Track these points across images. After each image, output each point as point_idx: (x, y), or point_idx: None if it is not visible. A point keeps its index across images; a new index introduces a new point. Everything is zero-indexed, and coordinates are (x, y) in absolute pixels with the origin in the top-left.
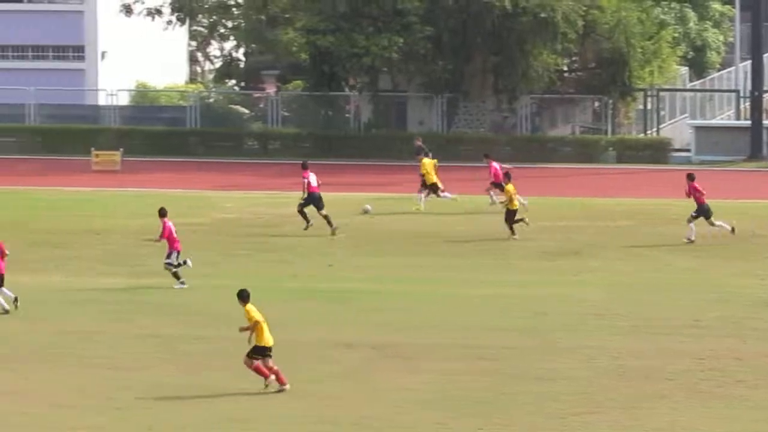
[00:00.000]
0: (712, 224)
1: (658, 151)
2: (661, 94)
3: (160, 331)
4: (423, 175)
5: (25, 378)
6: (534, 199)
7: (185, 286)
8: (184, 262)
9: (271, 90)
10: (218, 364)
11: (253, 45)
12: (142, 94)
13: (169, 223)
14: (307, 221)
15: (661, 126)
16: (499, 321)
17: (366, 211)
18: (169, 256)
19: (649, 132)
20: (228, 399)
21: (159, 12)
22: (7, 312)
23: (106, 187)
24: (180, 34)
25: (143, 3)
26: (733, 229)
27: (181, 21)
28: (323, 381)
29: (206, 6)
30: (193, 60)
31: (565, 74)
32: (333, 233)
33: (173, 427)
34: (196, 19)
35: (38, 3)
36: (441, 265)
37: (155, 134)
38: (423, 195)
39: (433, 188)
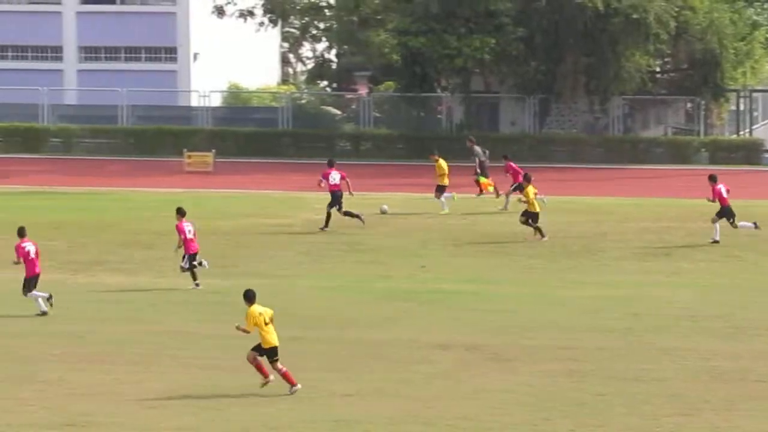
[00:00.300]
0: (714, 221)
1: (750, 152)
2: (754, 94)
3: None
4: (441, 176)
5: (116, 378)
6: (626, 200)
7: (200, 287)
8: (200, 263)
9: (363, 91)
10: (310, 365)
11: (345, 46)
12: (234, 95)
13: (184, 225)
14: (355, 216)
15: (753, 127)
16: (591, 322)
17: (383, 212)
18: (183, 258)
19: (741, 133)
20: (322, 399)
21: (251, 13)
22: (45, 313)
23: (198, 188)
24: (272, 36)
25: (235, 4)
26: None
27: (274, 22)
28: (417, 382)
29: (298, 7)
30: (285, 61)
31: (658, 75)
32: (322, 229)
33: (268, 428)
34: (289, 21)
35: (131, 5)
36: (533, 265)
37: (247, 135)
38: (444, 196)
39: (440, 189)
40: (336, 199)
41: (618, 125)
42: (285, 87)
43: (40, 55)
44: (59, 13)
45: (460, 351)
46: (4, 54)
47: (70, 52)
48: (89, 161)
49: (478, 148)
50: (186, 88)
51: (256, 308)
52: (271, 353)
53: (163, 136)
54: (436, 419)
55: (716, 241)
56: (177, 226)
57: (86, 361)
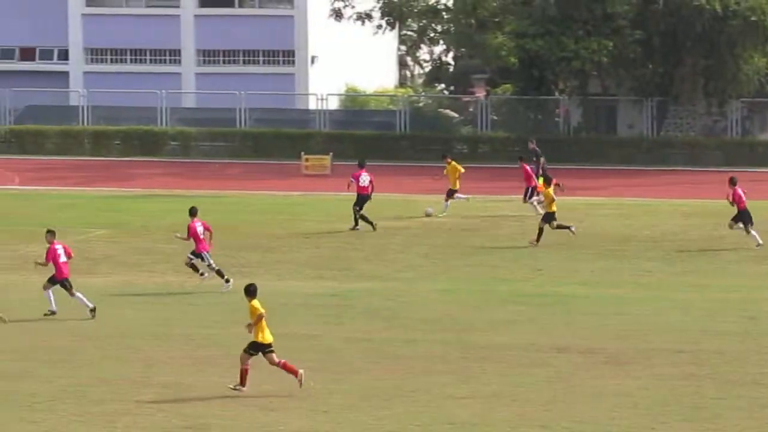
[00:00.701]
0: (731, 226)
1: None
2: None
3: (369, 335)
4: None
5: (232, 381)
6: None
7: (206, 276)
8: (202, 274)
9: (480, 94)
10: (427, 368)
11: (463, 49)
12: (351, 98)
13: (197, 224)
14: (356, 223)
15: None
16: (710, 325)
17: (428, 214)
18: (192, 253)
19: None
20: (438, 402)
21: (369, 16)
22: (54, 312)
23: (316, 191)
24: (389, 38)
25: (353, 7)
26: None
27: (391, 25)
28: (535, 385)
29: (416, 10)
30: (402, 64)
31: None
32: (374, 228)
33: (385, 431)
34: (406, 23)
35: (249, 8)
36: (648, 268)
37: (365, 138)
38: (460, 197)
39: (450, 193)
40: (361, 201)
41: (736, 128)
42: (402, 90)
43: (158, 58)
44: (177, 16)
45: (577, 354)
46: (123, 57)
47: (189, 55)
48: (207, 164)
49: (539, 150)
50: (304, 91)
51: (258, 302)
52: (268, 347)
53: (281, 139)
54: (553, 422)
55: (761, 245)
56: (189, 227)
57: (201, 363)
